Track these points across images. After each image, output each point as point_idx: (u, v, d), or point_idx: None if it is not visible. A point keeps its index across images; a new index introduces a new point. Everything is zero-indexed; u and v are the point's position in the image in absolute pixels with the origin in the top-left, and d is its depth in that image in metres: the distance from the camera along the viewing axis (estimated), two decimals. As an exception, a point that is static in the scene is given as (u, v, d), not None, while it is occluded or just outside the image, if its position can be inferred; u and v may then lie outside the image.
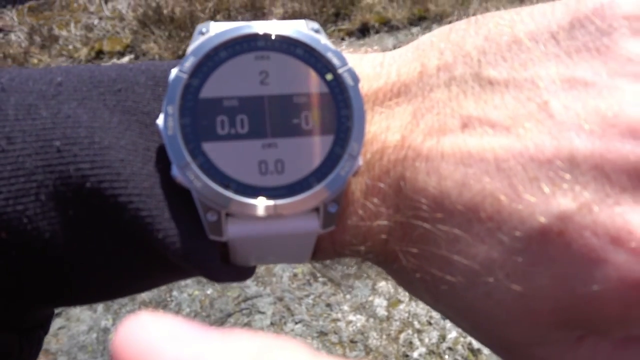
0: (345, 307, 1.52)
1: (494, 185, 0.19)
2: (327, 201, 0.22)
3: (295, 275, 1.57)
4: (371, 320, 1.50)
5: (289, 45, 0.23)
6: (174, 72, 0.22)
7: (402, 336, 1.48)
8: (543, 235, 0.19)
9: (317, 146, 0.22)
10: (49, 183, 0.20)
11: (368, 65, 0.24)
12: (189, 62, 0.22)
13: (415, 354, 1.45)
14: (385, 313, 1.51)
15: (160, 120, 0.21)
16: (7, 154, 0.20)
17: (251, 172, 0.21)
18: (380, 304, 1.52)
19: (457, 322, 0.23)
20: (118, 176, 0.21)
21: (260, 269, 1.58)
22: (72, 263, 0.22)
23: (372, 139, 0.23)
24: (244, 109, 0.22)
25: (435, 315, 1.50)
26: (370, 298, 1.53)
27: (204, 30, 0.23)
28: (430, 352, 1.46)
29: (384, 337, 1.48)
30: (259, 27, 0.23)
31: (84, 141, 0.21)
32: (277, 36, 0.23)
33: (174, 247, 0.21)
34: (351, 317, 1.51)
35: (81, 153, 0.21)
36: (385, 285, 1.54)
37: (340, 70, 0.22)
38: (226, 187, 0.21)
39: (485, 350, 1.46)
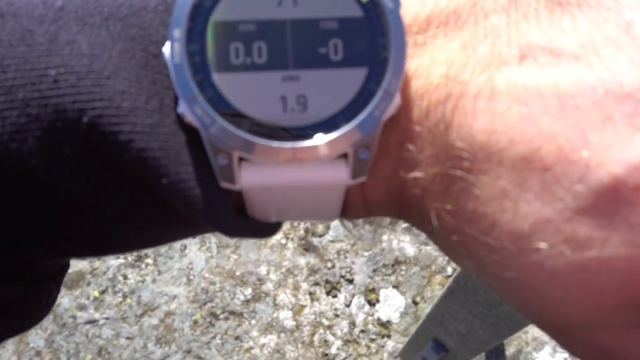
0: (254, 333, 1.51)
1: (554, 127, 0.16)
2: (357, 146, 0.18)
3: (195, 322, 1.52)
4: (282, 335, 1.51)
5: None
6: None
7: (316, 338, 1.50)
8: (615, 191, 0.15)
9: (348, 80, 0.19)
10: (43, 118, 0.18)
11: None
12: None
13: (333, 350, 1.49)
14: (293, 323, 1.52)
15: (166, 48, 0.18)
16: (0, 84, 0.18)
17: (269, 109, 0.18)
18: (286, 317, 1.53)
19: (504, 297, 0.20)
20: (117, 110, 0.18)
21: (160, 329, 1.52)
22: (71, 208, 0.20)
23: (412, 75, 0.19)
24: (262, 34, 0.18)
25: (339, 306, 1.54)
26: (275, 315, 1.53)
27: None
28: (346, 342, 1.50)
29: (299, 345, 1.49)
30: None
31: (82, 70, 0.18)
32: None
33: (180, 195, 0.18)
34: (263, 340, 1.50)
35: (78, 84, 0.18)
36: (285, 296, 1.55)
37: None
38: (239, 125, 0.18)
39: (395, 320, 1.53)
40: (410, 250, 1.61)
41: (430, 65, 0.19)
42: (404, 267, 1.60)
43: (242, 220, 0.20)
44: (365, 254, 1.61)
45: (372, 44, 0.19)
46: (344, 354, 1.49)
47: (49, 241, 0.21)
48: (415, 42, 0.19)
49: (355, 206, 0.21)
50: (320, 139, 0.18)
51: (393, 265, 1.60)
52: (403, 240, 1.62)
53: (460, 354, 1.00)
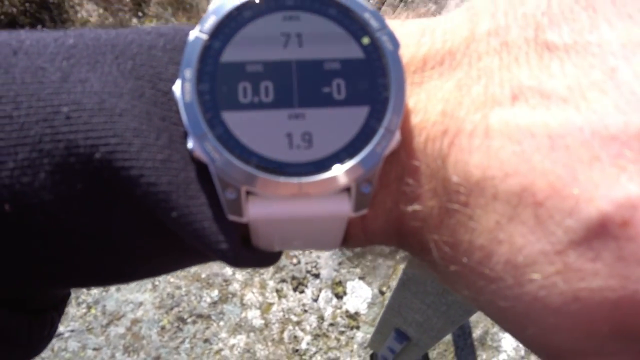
0: (223, 334, 1.50)
1: (545, 165, 0.17)
2: (360, 180, 0.19)
3: (162, 328, 1.50)
4: (251, 334, 1.50)
5: (321, 5, 0.20)
6: (192, 33, 0.19)
7: (285, 335, 1.50)
8: (603, 226, 0.16)
9: (350, 118, 0.19)
10: (55, 153, 0.18)
11: (409, 31, 0.21)
12: (209, 22, 0.19)
13: (303, 345, 1.49)
14: (262, 321, 1.52)
15: (176, 86, 0.19)
16: (12, 120, 0.18)
17: (275, 146, 0.19)
18: (254, 316, 1.52)
19: (500, 323, 0.21)
20: (129, 147, 0.18)
21: (127, 338, 1.49)
22: (81, 240, 0.20)
23: (410, 112, 0.20)
24: (269, 74, 0.19)
25: (307, 301, 1.54)
26: (243, 314, 1.53)
27: None
28: (316, 336, 1.51)
29: (269, 343, 1.49)
30: None
31: (94, 107, 0.18)
32: None
33: (189, 228, 0.19)
34: (232, 341, 1.49)
35: (91, 120, 0.18)
36: (252, 295, 1.55)
37: (378, 34, 0.20)
38: (247, 161, 0.19)
39: (363, 311, 1.54)
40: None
41: (427, 103, 0.20)
42: (369, 258, 1.61)
43: (248, 251, 0.21)
44: (330, 247, 1.61)
45: (373, 84, 0.20)
46: (314, 349, 1.49)
47: (57, 273, 0.21)
48: (413, 81, 0.20)
49: (356, 236, 0.22)
50: (325, 175, 0.19)
51: (358, 257, 1.61)
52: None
53: (422, 342, 1.01)
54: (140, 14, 2.39)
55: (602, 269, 0.16)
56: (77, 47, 0.20)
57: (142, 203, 0.19)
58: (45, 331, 0.24)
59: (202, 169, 0.19)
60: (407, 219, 0.20)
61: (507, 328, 0.20)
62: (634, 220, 0.15)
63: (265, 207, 0.19)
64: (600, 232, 0.16)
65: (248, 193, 0.19)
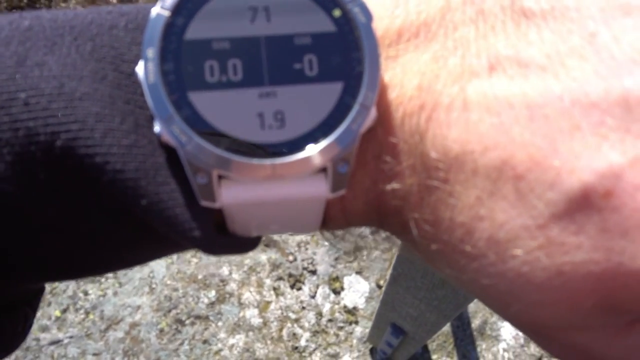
0: (222, 335, 1.50)
1: (524, 136, 0.16)
2: (336, 159, 0.18)
3: (161, 330, 1.50)
4: (250, 333, 1.50)
5: None
6: (154, 10, 0.18)
7: (284, 332, 1.50)
8: (585, 198, 0.15)
9: (324, 95, 0.19)
10: (15, 142, 0.17)
11: (382, 2, 0.20)
12: None
13: (302, 342, 1.49)
14: (260, 320, 1.52)
15: (139, 67, 0.18)
16: None
17: (246, 127, 0.18)
18: (252, 315, 1.52)
19: (484, 301, 0.20)
20: (92, 132, 0.17)
21: (126, 342, 1.49)
22: (47, 232, 0.19)
23: (386, 87, 0.19)
24: (236, 52, 0.18)
25: (305, 298, 1.54)
26: (241, 314, 1.52)
27: None
28: (315, 333, 1.51)
29: (269, 342, 1.49)
30: None
31: (53, 92, 0.17)
32: None
33: (160, 216, 0.18)
34: (231, 341, 1.49)
35: (50, 106, 0.17)
36: (250, 294, 1.54)
37: (349, 5, 0.19)
38: (217, 144, 0.18)
39: (361, 305, 1.54)
40: (369, 234, 1.62)
41: (403, 78, 0.19)
42: (365, 252, 1.61)
43: (224, 237, 0.20)
44: (326, 243, 1.61)
45: (346, 59, 0.19)
46: (313, 345, 1.49)
47: (24, 267, 0.20)
48: (387, 55, 0.20)
49: (335, 218, 0.21)
50: (299, 155, 0.18)
51: (354, 252, 1.60)
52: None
53: (418, 335, 1.01)
54: (128, 15, 2.39)
55: (586, 241, 0.16)
56: (33, 29, 0.19)
57: (110, 191, 0.18)
58: (19, 327, 0.24)
59: (171, 154, 0.18)
60: (386, 197, 0.20)
61: (491, 305, 0.20)
62: (617, 190, 0.15)
63: (238, 191, 0.19)
64: (583, 204, 0.15)
65: (220, 177, 0.18)
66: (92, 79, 0.18)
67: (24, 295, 0.24)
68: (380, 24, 0.20)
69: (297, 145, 0.18)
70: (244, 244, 0.21)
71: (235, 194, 0.19)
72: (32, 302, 0.25)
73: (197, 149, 0.18)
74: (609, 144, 0.15)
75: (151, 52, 0.18)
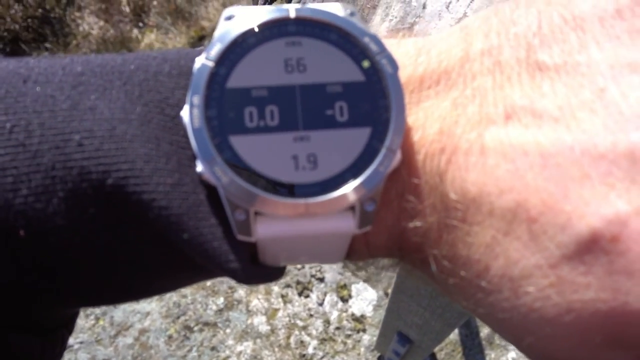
0: (230, 341, 1.50)
1: (538, 182, 0.17)
2: (363, 199, 0.20)
3: (170, 337, 1.51)
4: (258, 340, 1.50)
5: (322, 30, 0.21)
6: (199, 60, 0.20)
7: (292, 340, 1.50)
8: (593, 242, 0.16)
9: (353, 139, 0.20)
10: (68, 179, 0.19)
11: (406, 51, 0.22)
12: (215, 49, 0.20)
13: (310, 350, 1.49)
14: (268, 327, 1.52)
15: (184, 112, 0.19)
16: (25, 148, 0.19)
17: (282, 168, 0.19)
18: (260, 322, 1.52)
19: (499, 333, 0.21)
20: (141, 172, 0.19)
21: (135, 348, 1.50)
22: (93, 263, 0.20)
23: (409, 130, 0.21)
24: (273, 99, 0.20)
25: (313, 305, 1.54)
26: (249, 321, 1.53)
27: (230, 14, 0.21)
28: (322, 341, 1.50)
29: (276, 349, 1.49)
30: (290, 10, 0.21)
31: (105, 134, 0.19)
32: (310, 20, 0.21)
33: (200, 249, 0.19)
34: (239, 348, 1.49)
35: (102, 147, 0.19)
36: (258, 302, 1.55)
37: (378, 57, 0.21)
38: (255, 183, 0.19)
39: (368, 313, 1.54)
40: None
41: (424, 122, 0.21)
42: (372, 261, 1.60)
43: (257, 268, 0.21)
44: (334, 251, 1.61)
45: (374, 106, 0.20)
46: (321, 353, 1.49)
47: (69, 292, 0.22)
48: (410, 101, 0.21)
49: (359, 251, 0.23)
50: (331, 195, 0.19)
51: (360, 268, 1.60)
52: (370, 234, 1.62)
53: (424, 344, 1.00)
54: (140, 24, 2.41)
55: (594, 281, 0.17)
56: (85, 74, 0.20)
57: (155, 226, 0.20)
58: (57, 349, 0.25)
59: (210, 191, 0.20)
60: (408, 234, 0.21)
61: (506, 337, 0.21)
62: (623, 236, 0.16)
63: (273, 227, 0.20)
64: (592, 247, 0.16)
65: (256, 213, 0.20)
66: (139, 122, 0.20)
67: (62, 319, 0.26)
68: (404, 72, 0.21)
69: (328, 185, 0.20)
70: (274, 273, 0.23)
71: (270, 230, 0.20)
72: (68, 325, 0.26)
73: (236, 188, 0.19)
74: (616, 193, 0.16)
75: (197, 99, 0.19)
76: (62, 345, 0.26)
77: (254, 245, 0.21)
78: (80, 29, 2.40)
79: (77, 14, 2.37)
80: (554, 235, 0.17)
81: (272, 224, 0.20)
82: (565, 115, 0.18)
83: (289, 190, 0.19)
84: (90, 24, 2.38)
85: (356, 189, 0.20)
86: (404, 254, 0.22)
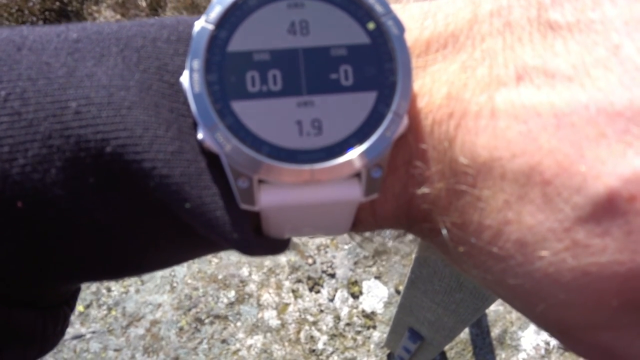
0: (240, 335, 1.51)
1: (552, 143, 0.17)
2: (370, 165, 0.19)
3: (181, 329, 1.52)
4: (268, 335, 1.51)
5: None
6: (198, 23, 0.19)
7: (302, 335, 1.51)
8: (610, 202, 0.16)
9: (359, 104, 0.19)
10: (66, 148, 0.18)
11: (412, 14, 0.21)
12: (214, 12, 0.19)
13: (320, 345, 1.49)
14: (278, 322, 1.52)
15: (184, 77, 0.19)
16: (21, 117, 0.18)
17: (285, 134, 0.19)
18: (270, 316, 1.53)
19: (509, 302, 0.21)
20: (140, 139, 0.18)
21: (147, 339, 1.52)
22: (94, 234, 0.20)
23: (415, 95, 0.20)
24: (276, 63, 0.19)
25: (323, 301, 1.54)
26: (260, 315, 1.53)
27: None
28: (332, 336, 1.51)
29: (286, 344, 1.50)
30: None
31: (103, 101, 0.18)
32: None
33: (202, 218, 0.19)
34: (249, 341, 1.50)
35: (100, 114, 0.18)
36: (269, 296, 1.55)
37: (383, 19, 0.20)
38: (258, 150, 0.19)
39: (379, 310, 1.54)
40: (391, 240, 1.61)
41: (432, 87, 0.20)
42: (384, 257, 1.60)
43: (260, 239, 0.21)
44: (346, 247, 1.61)
45: (380, 69, 0.20)
46: (331, 349, 1.49)
47: (71, 268, 0.21)
48: (417, 65, 0.20)
49: (365, 221, 0.22)
50: (336, 160, 0.19)
51: (374, 256, 1.60)
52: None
53: (436, 341, 1.00)
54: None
55: (611, 243, 0.16)
56: (81, 41, 0.20)
57: (155, 195, 0.19)
58: (59, 326, 0.25)
59: (212, 159, 0.19)
60: (416, 202, 0.21)
61: (517, 306, 0.20)
62: None
63: (277, 195, 0.20)
64: (608, 208, 0.16)
65: (260, 181, 0.19)
66: (138, 88, 0.19)
67: (64, 295, 0.25)
68: (410, 35, 0.21)
69: (333, 151, 0.19)
70: (278, 245, 0.22)
71: (274, 198, 0.20)
72: (70, 301, 0.26)
73: (239, 155, 0.19)
74: (634, 151, 0.16)
75: (196, 64, 0.19)
76: (64, 322, 0.25)
77: (257, 215, 0.21)
78: (97, 22, 2.42)
79: (94, 7, 2.39)
80: (569, 197, 0.17)
81: (276, 192, 0.20)
82: (579, 73, 0.17)
83: (293, 156, 0.19)
84: (107, 17, 2.39)
85: (362, 154, 0.19)
86: (412, 224, 0.22)
